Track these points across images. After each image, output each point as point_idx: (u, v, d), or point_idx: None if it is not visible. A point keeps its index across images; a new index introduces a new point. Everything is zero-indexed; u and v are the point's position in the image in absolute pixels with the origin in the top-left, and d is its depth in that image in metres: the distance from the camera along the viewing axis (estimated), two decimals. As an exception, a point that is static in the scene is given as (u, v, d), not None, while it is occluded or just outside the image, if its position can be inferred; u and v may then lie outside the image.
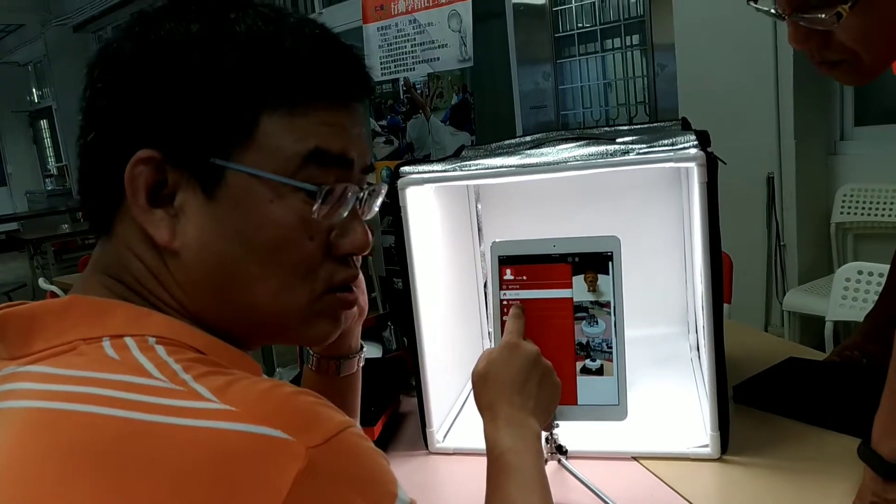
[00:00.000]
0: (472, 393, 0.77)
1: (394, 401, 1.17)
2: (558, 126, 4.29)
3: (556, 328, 0.85)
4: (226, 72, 0.48)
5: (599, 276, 0.84)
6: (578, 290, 0.84)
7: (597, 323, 0.84)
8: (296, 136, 0.49)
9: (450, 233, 1.25)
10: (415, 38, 4.61)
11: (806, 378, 1.11)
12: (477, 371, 0.76)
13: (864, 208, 2.88)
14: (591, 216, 1.33)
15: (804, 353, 1.28)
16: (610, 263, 0.84)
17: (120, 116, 0.48)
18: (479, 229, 1.41)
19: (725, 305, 2.12)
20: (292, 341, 0.56)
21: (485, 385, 0.75)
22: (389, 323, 1.48)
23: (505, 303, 0.86)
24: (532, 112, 4.29)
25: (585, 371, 0.84)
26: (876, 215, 2.82)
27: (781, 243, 2.94)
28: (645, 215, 1.34)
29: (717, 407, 0.91)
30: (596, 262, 0.84)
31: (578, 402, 0.84)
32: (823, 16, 0.67)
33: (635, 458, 0.95)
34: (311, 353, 0.80)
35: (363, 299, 0.80)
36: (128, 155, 0.47)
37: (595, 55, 4.08)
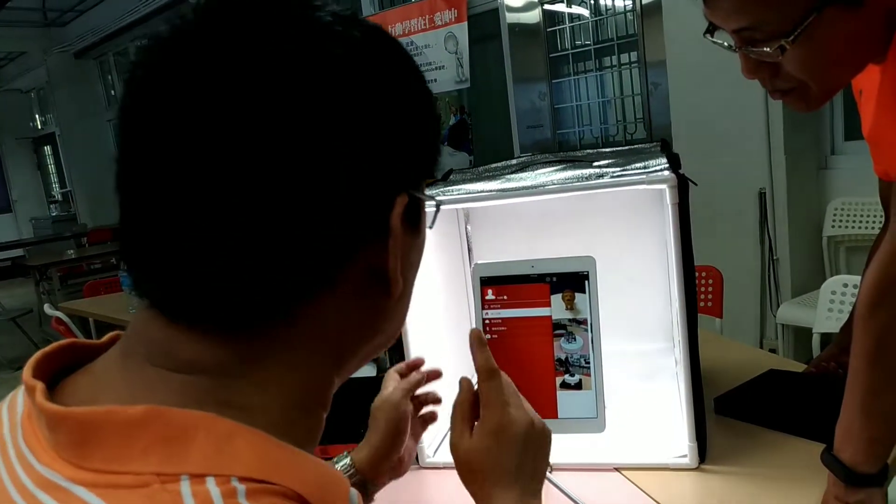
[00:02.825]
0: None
1: (387, 418, 1.20)
2: (555, 144, 4.34)
3: (536, 345, 0.89)
4: (430, 110, 0.46)
5: (576, 294, 0.88)
6: (557, 308, 0.89)
7: (575, 339, 0.88)
8: None
9: (441, 253, 1.30)
10: (412, 61, 4.69)
11: (784, 389, 1.15)
12: (461, 460, 0.64)
13: (855, 222, 2.92)
14: (580, 235, 1.37)
15: (786, 365, 1.31)
16: (586, 282, 0.88)
17: (369, 164, 0.40)
18: (470, 249, 1.45)
19: (717, 320, 2.17)
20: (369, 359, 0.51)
21: (474, 479, 0.64)
22: (384, 342, 1.52)
23: (487, 322, 0.91)
24: (529, 131, 4.35)
25: (565, 386, 0.88)
26: (867, 228, 2.86)
27: (775, 257, 2.98)
28: (631, 234, 1.38)
29: (694, 418, 0.95)
30: (572, 282, 0.88)
31: (559, 416, 0.88)
32: (769, 49, 0.72)
33: (617, 469, 0.99)
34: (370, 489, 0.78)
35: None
36: (372, 204, 0.41)
37: (590, 74, 4.14)
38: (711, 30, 0.79)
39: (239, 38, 0.37)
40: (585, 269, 0.88)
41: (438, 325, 1.21)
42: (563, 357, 0.88)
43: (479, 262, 0.92)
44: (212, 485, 0.35)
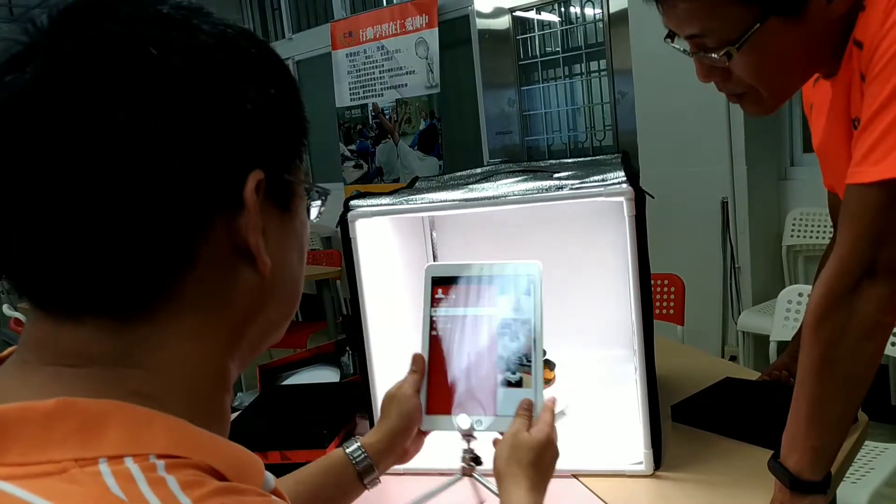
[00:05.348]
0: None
1: (349, 423, 1.20)
2: (523, 151, 4.38)
3: (479, 342, 0.90)
4: (291, 90, 0.47)
5: (522, 296, 0.90)
6: (502, 308, 0.90)
7: (518, 339, 0.90)
8: None
9: (406, 259, 1.30)
10: (383, 65, 4.70)
11: (737, 397, 1.18)
12: (537, 450, 0.79)
13: (813, 231, 3.00)
14: (542, 244, 1.38)
15: (743, 373, 1.34)
16: (531, 286, 0.90)
17: (217, 141, 0.41)
18: (435, 256, 1.46)
19: (679, 327, 2.20)
20: (270, 345, 0.53)
21: (537, 464, 0.78)
22: (347, 348, 1.52)
23: (435, 319, 0.92)
24: (498, 137, 4.37)
25: (505, 383, 0.89)
26: (824, 238, 2.94)
27: (736, 266, 3.04)
28: (591, 243, 1.40)
29: (650, 425, 0.97)
30: (519, 284, 0.90)
31: (497, 413, 0.88)
32: (717, 56, 0.76)
33: (574, 475, 1.00)
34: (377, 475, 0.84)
35: None
36: (216, 178, 0.41)
37: (558, 81, 4.19)
38: (671, 35, 0.82)
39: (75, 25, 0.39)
40: (531, 272, 0.90)
41: (401, 326, 1.22)
42: (505, 355, 0.90)
43: (431, 263, 0.93)
44: (130, 463, 0.36)
